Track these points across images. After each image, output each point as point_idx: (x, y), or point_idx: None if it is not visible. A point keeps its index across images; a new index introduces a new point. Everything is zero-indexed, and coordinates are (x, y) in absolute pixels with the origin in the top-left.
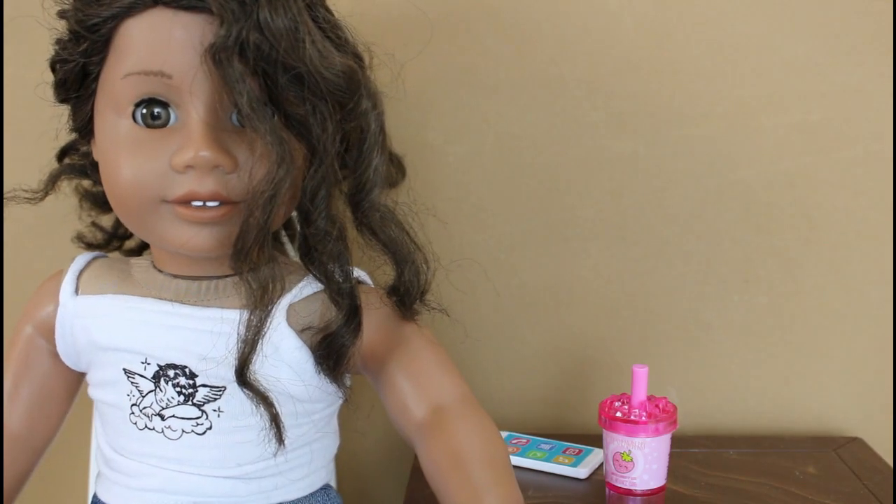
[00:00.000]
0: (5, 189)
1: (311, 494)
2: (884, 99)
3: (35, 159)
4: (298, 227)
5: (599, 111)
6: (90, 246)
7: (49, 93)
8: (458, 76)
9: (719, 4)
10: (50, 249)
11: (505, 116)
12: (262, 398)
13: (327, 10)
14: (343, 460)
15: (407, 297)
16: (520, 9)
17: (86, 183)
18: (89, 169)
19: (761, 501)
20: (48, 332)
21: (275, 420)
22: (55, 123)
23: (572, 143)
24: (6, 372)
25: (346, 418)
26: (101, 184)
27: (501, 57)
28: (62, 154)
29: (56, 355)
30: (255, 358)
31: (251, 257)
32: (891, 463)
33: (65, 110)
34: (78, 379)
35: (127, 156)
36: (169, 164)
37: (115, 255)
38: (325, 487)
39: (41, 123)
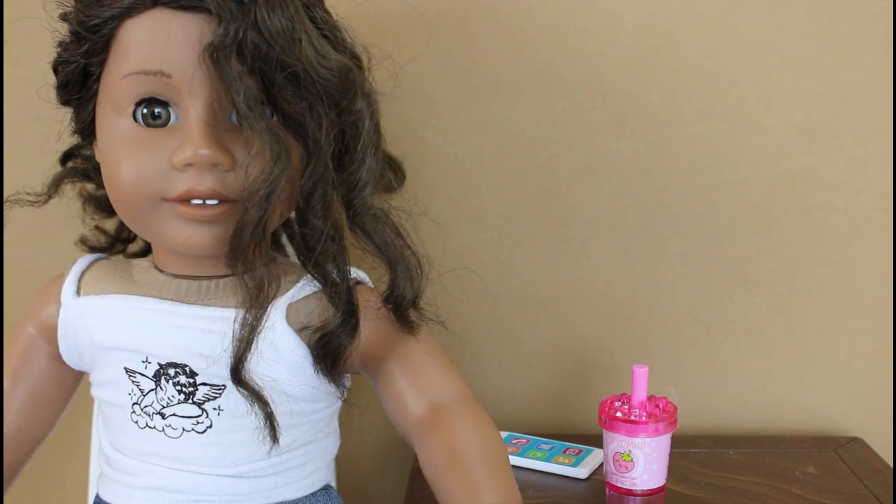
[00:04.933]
0: (9, 192)
1: (312, 494)
2: (884, 99)
3: (39, 163)
4: (296, 227)
5: (599, 111)
6: (93, 249)
7: (51, 95)
8: (458, 76)
9: (719, 4)
10: (52, 252)
11: (505, 116)
12: (257, 397)
13: (325, 10)
14: (343, 460)
15: (401, 302)
16: (520, 9)
17: (89, 187)
18: (92, 172)
19: (761, 501)
20: (49, 334)
21: (269, 419)
22: (58, 126)
23: (572, 143)
24: (5, 370)
25: (346, 418)
26: (104, 187)
27: (501, 57)
28: (66, 157)
29: (54, 358)
30: (250, 356)
31: (247, 255)
32: (891, 463)
33: (67, 113)
34: (75, 381)
35: (127, 154)
36: (168, 162)
37: (117, 257)
38: (326, 488)
39: (44, 126)
